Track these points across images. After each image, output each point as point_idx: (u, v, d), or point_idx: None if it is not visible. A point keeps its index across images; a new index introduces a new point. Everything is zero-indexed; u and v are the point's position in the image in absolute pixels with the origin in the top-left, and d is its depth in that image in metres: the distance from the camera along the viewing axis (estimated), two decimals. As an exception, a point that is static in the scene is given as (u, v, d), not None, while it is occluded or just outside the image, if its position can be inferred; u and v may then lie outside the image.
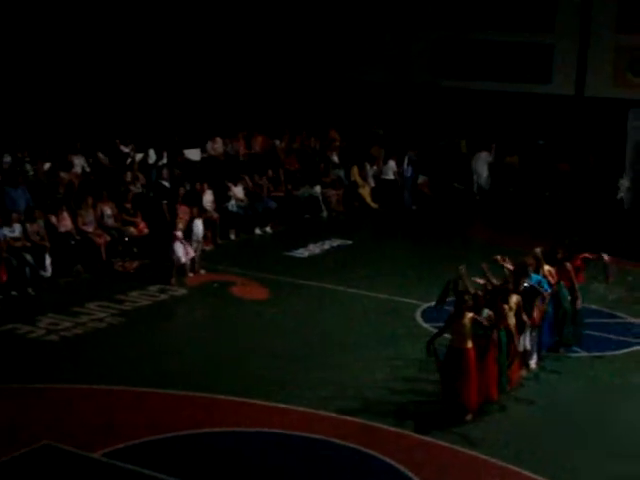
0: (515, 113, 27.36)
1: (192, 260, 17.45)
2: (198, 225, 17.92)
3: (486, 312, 11.53)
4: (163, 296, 16.32)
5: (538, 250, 13.73)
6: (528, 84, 27.40)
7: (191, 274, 17.41)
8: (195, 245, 17.64)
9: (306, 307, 16.09)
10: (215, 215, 19.98)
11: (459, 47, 28.65)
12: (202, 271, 17.67)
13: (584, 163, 26.40)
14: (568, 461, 10.48)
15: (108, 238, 17.81)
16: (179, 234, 17.04)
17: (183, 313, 16.16)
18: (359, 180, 25.11)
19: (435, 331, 12.11)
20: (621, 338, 14.75)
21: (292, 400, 11.74)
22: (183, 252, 17.06)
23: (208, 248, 18.92)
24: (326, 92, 28.00)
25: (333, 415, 11.39)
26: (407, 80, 28.78)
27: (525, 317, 12.30)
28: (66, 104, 21.59)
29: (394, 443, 10.75)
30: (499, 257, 13.50)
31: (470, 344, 11.31)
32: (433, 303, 13.24)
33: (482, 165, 26.73)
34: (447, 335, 11.61)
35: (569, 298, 13.66)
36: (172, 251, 16.94)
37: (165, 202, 19.20)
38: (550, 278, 13.35)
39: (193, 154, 23.30)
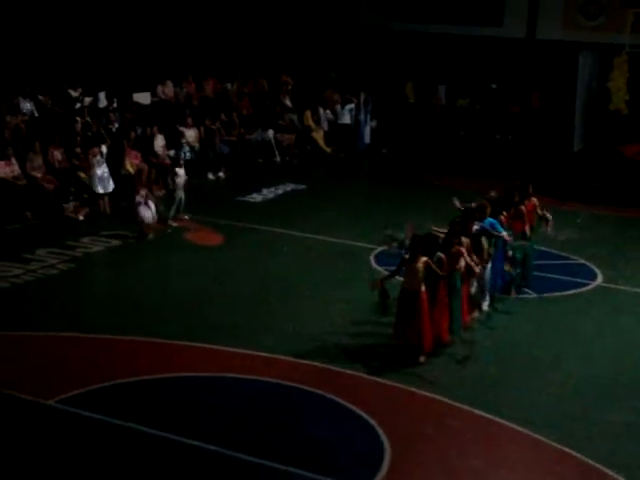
0: (466, 56, 27.30)
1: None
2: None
3: (438, 255, 11.60)
4: (115, 242, 16.19)
5: (492, 194, 13.83)
6: (479, 27, 27.30)
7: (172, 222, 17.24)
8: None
9: (260, 252, 16.06)
10: (167, 160, 19.76)
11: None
12: (186, 217, 17.49)
13: (528, 105, 26.53)
14: (519, 401, 10.66)
15: (58, 183, 17.55)
16: (141, 197, 16.47)
17: (136, 259, 16.02)
18: (312, 124, 24.98)
19: (387, 274, 12.21)
20: (570, 279, 15.01)
21: (247, 344, 11.75)
22: (150, 214, 16.52)
23: (160, 194, 18.73)
24: (277, 35, 27.63)
25: (289, 359, 11.44)
26: (358, 23, 28.51)
27: (472, 262, 12.23)
28: (12, 47, 21.01)
29: (350, 386, 10.85)
30: (457, 201, 13.56)
31: (423, 287, 11.40)
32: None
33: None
34: (399, 278, 11.70)
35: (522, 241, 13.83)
36: (137, 214, 16.40)
37: (103, 144, 18.82)
38: (505, 221, 13.47)
39: (143, 98, 22.93)
